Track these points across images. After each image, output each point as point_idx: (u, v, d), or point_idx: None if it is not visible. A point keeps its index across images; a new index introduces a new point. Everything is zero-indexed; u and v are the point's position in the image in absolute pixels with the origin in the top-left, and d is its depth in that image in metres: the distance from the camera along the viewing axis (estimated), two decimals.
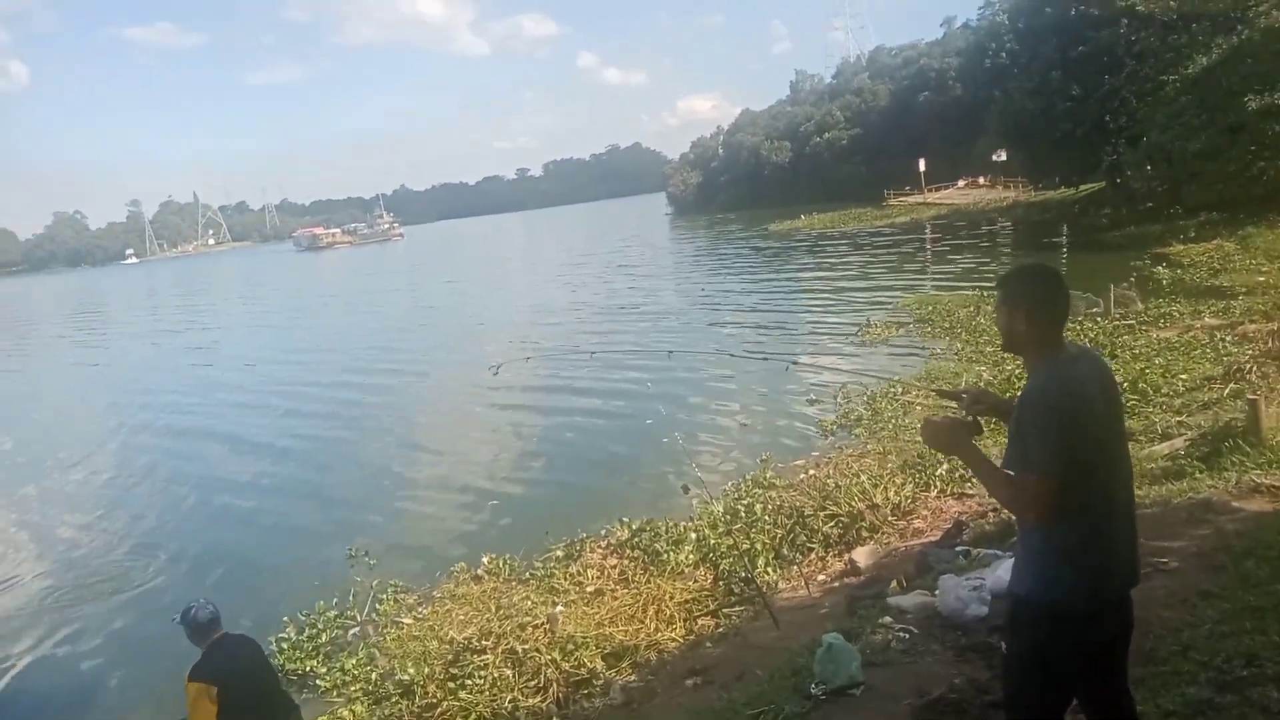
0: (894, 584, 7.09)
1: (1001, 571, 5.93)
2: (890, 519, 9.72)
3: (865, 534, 9.53)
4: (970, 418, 3.19)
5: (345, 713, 7.86)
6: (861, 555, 8.55)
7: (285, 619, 9.53)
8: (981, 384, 14.24)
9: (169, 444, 19.89)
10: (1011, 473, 2.87)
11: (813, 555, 9.48)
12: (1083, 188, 44.50)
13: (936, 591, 6.07)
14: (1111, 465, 2.91)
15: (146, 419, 22.56)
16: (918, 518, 9.79)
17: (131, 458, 19.07)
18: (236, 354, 30.51)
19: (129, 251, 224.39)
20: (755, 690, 5.17)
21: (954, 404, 3.37)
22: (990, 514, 8.97)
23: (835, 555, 9.43)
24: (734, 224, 72.32)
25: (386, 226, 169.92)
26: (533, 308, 32.54)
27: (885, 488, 10.24)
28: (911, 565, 7.60)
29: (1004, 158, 51.03)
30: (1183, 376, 12.71)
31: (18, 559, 13.42)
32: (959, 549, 7.52)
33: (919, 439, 12.36)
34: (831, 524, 9.73)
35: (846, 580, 8.33)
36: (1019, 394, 2.96)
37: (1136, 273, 22.19)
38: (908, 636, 5.47)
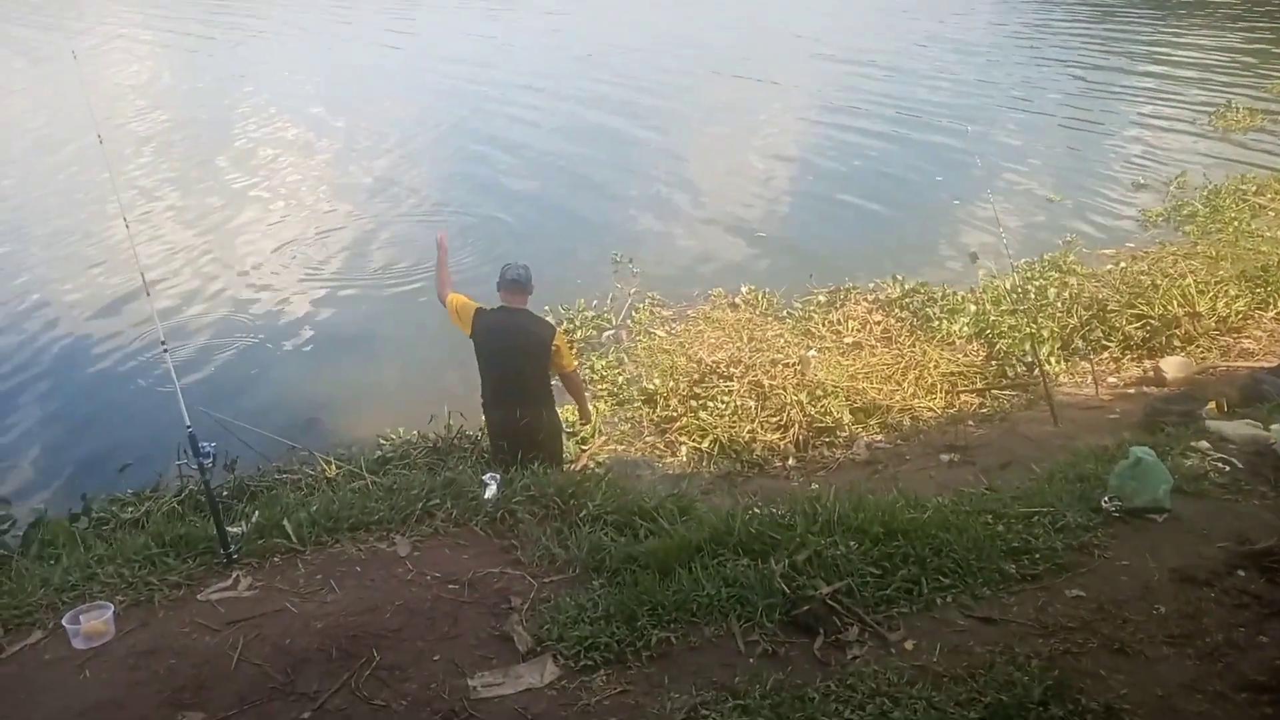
0: (1211, 405, 6.06)
1: None
2: (1213, 331, 8.36)
3: (1178, 344, 8.28)
4: None
5: (590, 408, 8.05)
6: (1170, 365, 7.44)
7: (545, 306, 9.76)
8: None
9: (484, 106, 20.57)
10: None
11: (1106, 354, 8.41)
12: None
13: (1276, 429, 5.06)
14: None
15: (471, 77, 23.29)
16: (1248, 337, 8.39)
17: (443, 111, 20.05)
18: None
19: None
20: (1028, 485, 4.57)
21: None
22: None
23: (1134, 360, 8.32)
24: None
25: None
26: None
27: (1213, 296, 8.76)
28: (1235, 389, 6.48)
29: None
30: None
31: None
32: None
33: (1264, 247, 10.76)
34: (1138, 325, 8.51)
35: (1146, 390, 7.33)
36: None
37: None
38: (1229, 469, 4.61)
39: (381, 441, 7.42)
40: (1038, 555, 3.67)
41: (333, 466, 6.63)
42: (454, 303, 5.79)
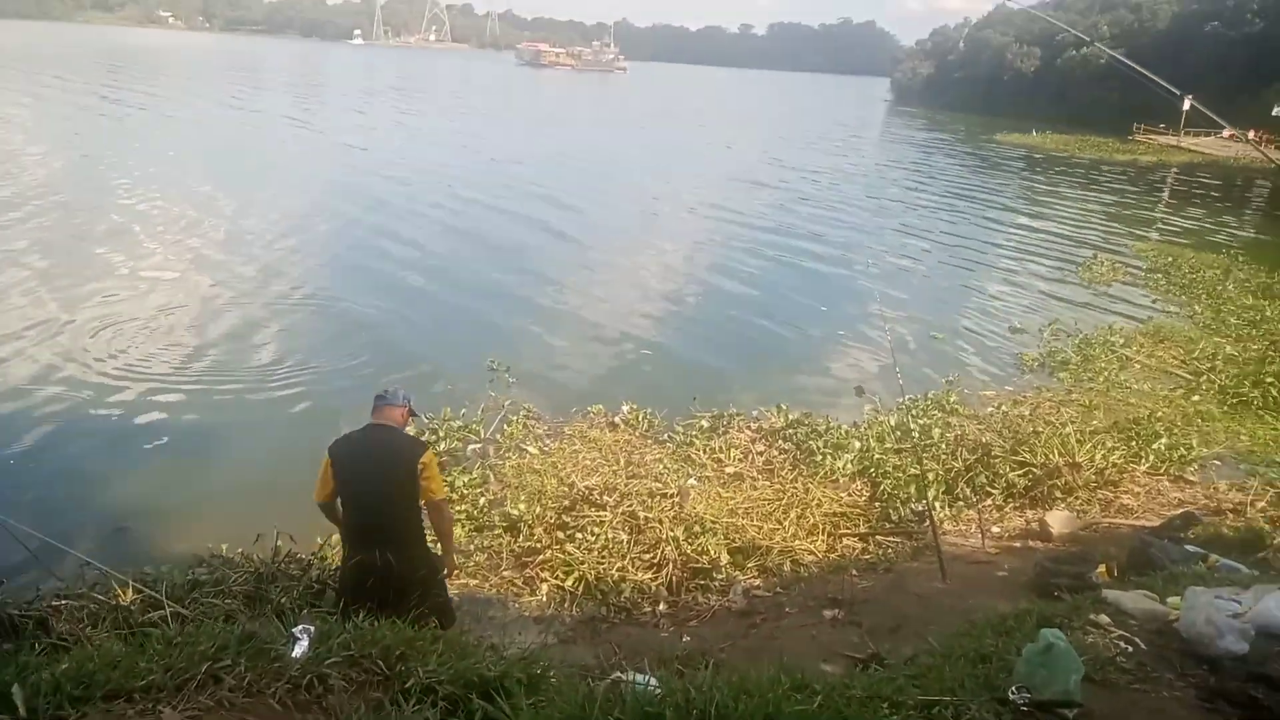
0: (1100, 569, 5.77)
1: (1273, 604, 4.54)
2: (1092, 483, 8.23)
3: (1058, 495, 8.11)
4: None
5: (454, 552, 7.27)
6: (1056, 520, 7.19)
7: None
8: (1220, 358, 12.20)
9: (364, 210, 19.91)
10: None
11: (990, 502, 8.16)
12: None
13: (1172, 602, 4.74)
14: None
15: (354, 184, 22.59)
16: (1125, 492, 8.28)
17: (324, 216, 19.22)
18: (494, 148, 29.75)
19: (356, 32, 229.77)
20: (925, 665, 4.06)
21: None
22: (1230, 513, 7.41)
23: (1017, 509, 8.09)
24: (958, 126, 67.07)
25: (611, 57, 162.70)
26: (728, 175, 30.78)
27: (1091, 447, 8.68)
28: (1124, 552, 6.22)
29: None
30: None
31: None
32: (1190, 549, 6.08)
33: (1132, 399, 10.94)
34: (1020, 472, 8.32)
35: (1031, 544, 7.04)
36: None
37: None
38: (1133, 651, 4.21)
39: (198, 562, 6.46)
40: None
41: (129, 592, 5.65)
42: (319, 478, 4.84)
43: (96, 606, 5.41)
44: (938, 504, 7.87)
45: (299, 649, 3.69)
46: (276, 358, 10.83)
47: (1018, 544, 7.09)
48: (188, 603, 5.62)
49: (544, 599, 6.47)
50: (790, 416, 9.48)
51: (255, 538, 6.39)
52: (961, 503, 8.14)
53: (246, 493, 7.84)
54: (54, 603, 5.38)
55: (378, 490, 4.78)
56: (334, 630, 3.89)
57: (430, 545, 5.15)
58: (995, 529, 7.63)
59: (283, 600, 5.77)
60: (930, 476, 8.07)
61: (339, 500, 4.85)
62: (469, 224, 18.73)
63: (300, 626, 3.83)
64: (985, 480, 8.35)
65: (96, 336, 11.08)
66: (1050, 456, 8.44)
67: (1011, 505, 8.13)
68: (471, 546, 7.18)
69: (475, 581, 6.80)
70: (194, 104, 30.26)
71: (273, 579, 5.97)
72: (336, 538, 6.66)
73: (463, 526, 7.40)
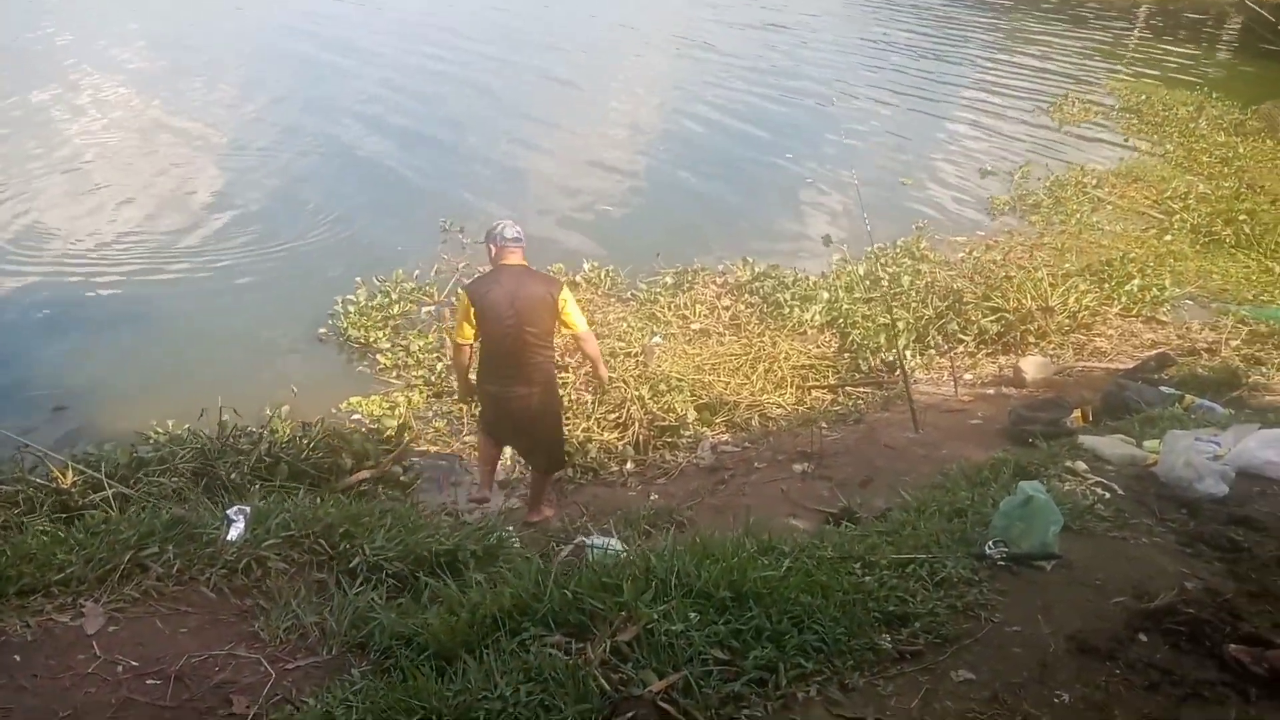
0: (1076, 414, 5.64)
1: (1254, 444, 4.42)
2: (1065, 327, 8.08)
3: (1031, 340, 7.97)
4: None
5: (401, 397, 7.03)
6: (1030, 365, 7.06)
7: (358, 279, 8.62)
8: (1193, 197, 11.96)
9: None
10: None
11: (961, 349, 8.01)
12: None
13: (1149, 445, 4.62)
14: None
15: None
16: (1098, 335, 8.15)
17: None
18: None
19: None
20: (898, 520, 3.90)
21: None
22: (1204, 352, 7.30)
23: (988, 356, 7.96)
24: None
25: None
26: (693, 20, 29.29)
27: (1064, 290, 8.50)
28: (1097, 396, 6.11)
29: None
30: None
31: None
32: (1165, 390, 5.97)
33: (1104, 240, 10.74)
34: (993, 318, 8.15)
35: (1005, 390, 6.92)
36: None
37: None
38: (1109, 497, 4.09)
39: (143, 439, 6.17)
40: (918, 624, 2.97)
41: (69, 474, 5.37)
42: (458, 310, 5.14)
43: (34, 491, 5.14)
44: (908, 353, 7.70)
45: (234, 532, 3.47)
46: (217, 227, 10.24)
47: (991, 391, 6.97)
48: (132, 483, 5.37)
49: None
50: (757, 269, 9.18)
51: (200, 413, 6.09)
52: (933, 351, 7.99)
53: (191, 369, 7.50)
54: None
55: (520, 327, 4.93)
56: (272, 510, 3.66)
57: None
58: (968, 376, 7.50)
59: (232, 476, 5.53)
60: (900, 325, 7.87)
61: (481, 332, 4.99)
62: (419, 82, 17.73)
63: (235, 508, 3.60)
64: (957, 328, 8.17)
65: (27, 214, 10.39)
66: (1023, 301, 8.25)
67: (984, 352, 7.99)
68: (430, 413, 6.94)
69: (436, 448, 6.60)
70: None
71: (220, 454, 5.70)
72: (286, 409, 6.43)
73: (420, 392, 7.16)
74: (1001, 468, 4.42)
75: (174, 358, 7.69)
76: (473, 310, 4.90)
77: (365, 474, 5.97)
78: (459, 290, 4.98)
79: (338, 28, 22.47)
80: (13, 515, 4.77)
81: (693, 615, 2.82)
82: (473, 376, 5.24)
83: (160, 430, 6.26)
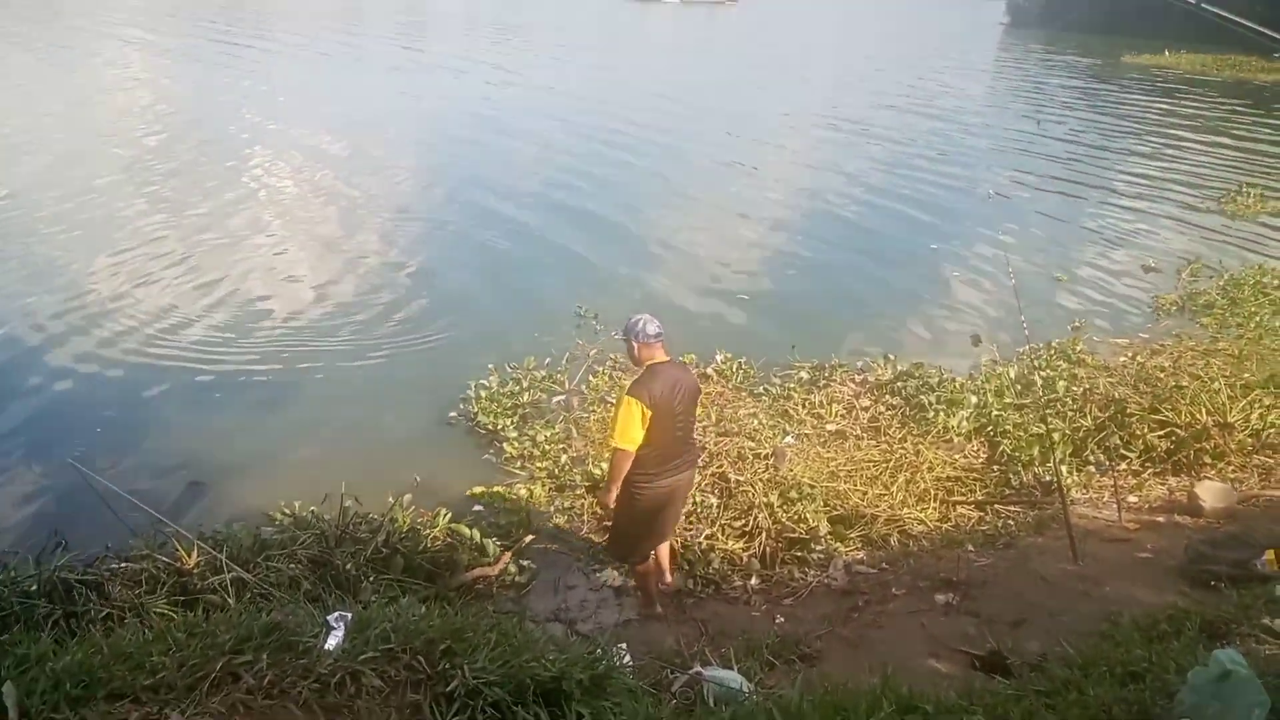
0: (1268, 555, 4.94)
1: None
2: (1247, 449, 7.27)
3: (1207, 460, 7.19)
4: None
5: (524, 490, 6.87)
6: (1209, 492, 6.31)
7: (490, 366, 8.62)
8: None
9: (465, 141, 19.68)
10: None
11: (1125, 466, 7.30)
12: None
13: None
14: None
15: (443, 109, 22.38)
16: None
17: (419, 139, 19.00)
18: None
19: None
20: (1059, 678, 3.41)
21: None
22: None
23: (1156, 476, 7.21)
24: (1081, 49, 62.80)
25: None
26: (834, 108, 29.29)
27: (1245, 405, 7.68)
28: None
29: None
30: None
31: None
32: None
33: None
34: (1160, 433, 7.42)
35: (1176, 519, 6.20)
36: None
37: None
38: None
39: (269, 520, 6.21)
40: None
41: (193, 554, 5.41)
42: (623, 415, 4.95)
43: (157, 569, 5.17)
44: (1064, 468, 7.07)
45: (333, 640, 3.29)
46: (357, 312, 10.51)
47: (1160, 518, 6.26)
48: (252, 566, 5.35)
49: (617, 578, 6.00)
50: (899, 368, 8.72)
51: (323, 498, 6.08)
52: (1092, 467, 7.30)
53: (325, 446, 7.58)
54: (114, 565, 5.17)
55: (688, 418, 5.23)
56: (374, 618, 3.48)
57: None
58: (1132, 499, 6.79)
59: (348, 566, 5.45)
60: (1055, 437, 7.25)
61: (658, 428, 4.99)
62: (562, 164, 18.18)
63: (336, 614, 3.42)
64: (1119, 442, 7.46)
65: (180, 287, 10.96)
66: (1196, 415, 7.47)
67: (1151, 471, 7.23)
68: (551, 508, 6.75)
69: (555, 546, 6.39)
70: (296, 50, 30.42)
71: (339, 542, 5.65)
72: (408, 497, 6.36)
73: (543, 485, 6.99)
74: (1184, 622, 3.85)
75: (309, 435, 7.81)
76: (648, 415, 4.89)
77: (480, 572, 5.81)
78: (626, 399, 4.87)
79: (500, 111, 23.52)
80: (134, 596, 4.79)
81: None
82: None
83: (286, 512, 6.28)
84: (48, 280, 10.92)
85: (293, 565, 5.41)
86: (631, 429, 4.89)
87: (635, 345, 5.07)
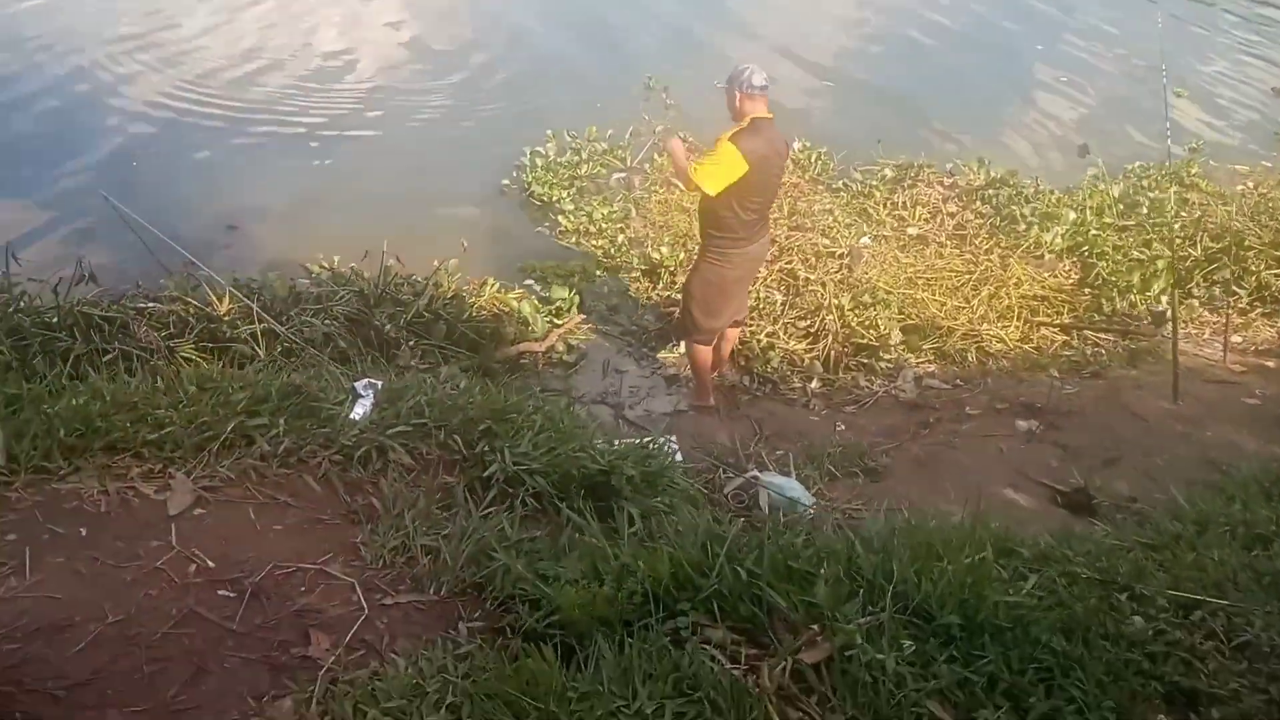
0: None
1: None
2: None
3: None
4: None
5: (576, 266, 6.44)
6: None
7: (549, 131, 7.97)
8: None
9: None
10: None
11: (1232, 303, 6.64)
12: None
13: None
14: None
15: None
16: None
17: None
18: None
19: None
20: (1169, 531, 3.00)
21: None
22: None
23: (1265, 318, 6.58)
24: None
25: None
26: None
27: None
28: None
29: None
30: None
31: None
32: None
33: None
34: (1278, 270, 6.71)
35: None
36: None
37: None
38: None
39: (308, 273, 5.86)
40: (1215, 712, 2.14)
41: (225, 300, 5.10)
42: (720, 160, 4.43)
43: (187, 313, 4.88)
44: (1163, 298, 6.45)
45: (360, 409, 2.95)
46: (413, 64, 9.71)
47: (1270, 363, 5.70)
48: (286, 319, 5.04)
49: (679, 357, 5.62)
50: (992, 174, 7.92)
51: (364, 254, 5.69)
52: (1195, 301, 6.67)
53: (368, 207, 7.08)
54: (142, 305, 4.87)
55: (776, 189, 4.93)
56: (408, 388, 3.12)
57: None
58: (1237, 339, 6.21)
59: (387, 327, 5.13)
60: (1160, 264, 6.60)
61: (749, 193, 4.55)
62: None
63: (364, 381, 3.07)
64: (1230, 276, 6.79)
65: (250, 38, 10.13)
66: None
67: (1260, 311, 6.60)
68: (606, 290, 6.32)
69: (606, 328, 6.01)
70: None
71: (379, 302, 5.30)
72: (455, 263, 5.94)
73: (599, 265, 6.54)
74: None
75: (355, 190, 7.32)
76: (748, 170, 4.38)
77: (526, 346, 5.47)
78: (727, 145, 4.38)
79: None
80: (159, 338, 4.51)
81: (906, 643, 2.09)
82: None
83: (325, 265, 5.90)
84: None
85: (329, 321, 5.11)
86: (721, 176, 4.38)
87: (739, 96, 4.57)
